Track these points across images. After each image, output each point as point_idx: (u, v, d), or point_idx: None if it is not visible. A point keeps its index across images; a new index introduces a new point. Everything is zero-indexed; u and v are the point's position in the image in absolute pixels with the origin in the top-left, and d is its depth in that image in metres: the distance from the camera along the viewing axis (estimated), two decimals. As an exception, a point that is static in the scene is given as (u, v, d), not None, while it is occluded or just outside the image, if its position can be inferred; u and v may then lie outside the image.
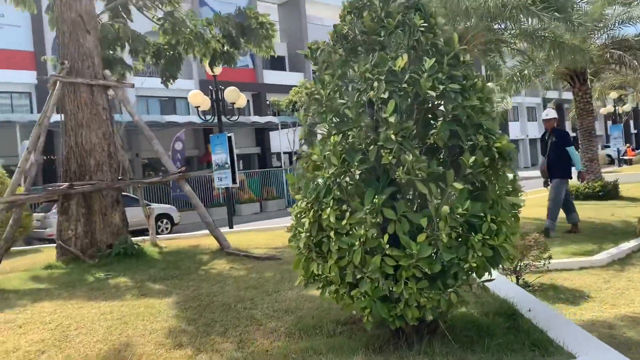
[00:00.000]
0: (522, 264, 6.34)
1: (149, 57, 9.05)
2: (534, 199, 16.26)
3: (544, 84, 15.72)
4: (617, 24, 13.99)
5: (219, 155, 13.20)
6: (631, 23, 14.00)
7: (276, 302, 4.49)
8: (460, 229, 2.89)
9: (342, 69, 3.23)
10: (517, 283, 6.44)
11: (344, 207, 3.01)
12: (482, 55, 12.40)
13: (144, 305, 4.70)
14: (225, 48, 8.87)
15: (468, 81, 3.14)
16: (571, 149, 8.83)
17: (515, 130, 54.45)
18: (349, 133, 3.01)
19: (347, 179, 2.95)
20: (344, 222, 2.93)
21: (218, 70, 12.76)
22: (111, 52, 8.76)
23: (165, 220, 20.29)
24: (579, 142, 14.82)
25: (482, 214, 2.88)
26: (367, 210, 2.87)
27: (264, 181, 27.08)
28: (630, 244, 8.36)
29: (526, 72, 14.25)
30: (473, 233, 2.89)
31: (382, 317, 2.96)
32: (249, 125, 28.56)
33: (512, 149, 3.07)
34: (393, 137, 2.87)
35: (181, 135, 25.41)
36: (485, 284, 4.53)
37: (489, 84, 15.13)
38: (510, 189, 3.14)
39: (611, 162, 37.77)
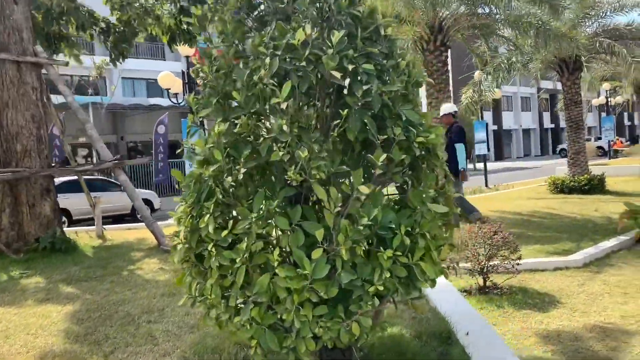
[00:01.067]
0: (489, 264, 5.82)
1: (97, 34, 8.35)
2: (518, 191, 15.72)
3: (533, 73, 15.09)
4: (609, 12, 13.36)
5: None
6: (624, 12, 13.39)
7: (186, 315, 3.93)
8: (367, 242, 2.32)
9: (240, 43, 2.63)
10: (484, 285, 5.92)
11: (232, 213, 2.43)
12: (467, 41, 11.77)
13: (40, 313, 4.13)
14: (185, 26, 8.18)
15: (389, 61, 2.55)
16: (459, 146, 8.18)
17: (508, 120, 53.90)
18: (237, 122, 2.42)
19: (230, 178, 2.36)
20: (224, 233, 2.35)
21: (188, 50, 12.09)
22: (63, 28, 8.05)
23: (145, 207, 19.72)
24: (567, 133, 14.27)
25: (396, 225, 2.32)
26: (254, 218, 2.30)
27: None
28: (610, 242, 7.84)
29: (514, 59, 13.64)
30: (383, 248, 2.32)
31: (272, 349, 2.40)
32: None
33: (438, 144, 2.48)
34: (286, 127, 2.29)
35: (164, 119, 24.69)
36: (430, 295, 3.98)
37: (478, 71, 14.38)
38: (438, 194, 2.56)
39: (604, 154, 37.30)
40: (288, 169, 2.29)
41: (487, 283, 6.02)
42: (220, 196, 2.39)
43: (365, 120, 2.37)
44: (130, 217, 19.11)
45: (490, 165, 40.66)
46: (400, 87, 2.50)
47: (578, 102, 13.84)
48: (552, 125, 56.70)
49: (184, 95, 12.30)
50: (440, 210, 2.39)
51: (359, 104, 2.40)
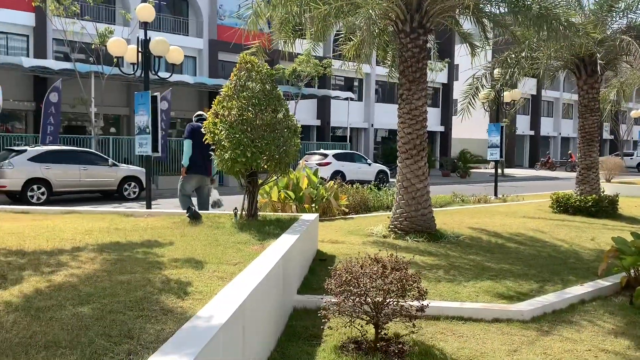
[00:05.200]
0: (383, 312, 4.28)
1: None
2: (522, 205, 13.72)
3: (548, 73, 13.14)
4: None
5: (140, 117, 11.32)
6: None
7: None
8: None
9: None
10: (376, 338, 4.40)
11: None
12: (457, 25, 10.02)
13: None
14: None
15: None
16: (186, 142, 8.59)
17: (547, 126, 51.09)
18: None
19: None
20: None
21: (147, 15, 10.80)
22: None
23: (132, 184, 18.82)
24: (578, 144, 12.36)
25: None
26: None
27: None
28: (583, 288, 6.16)
29: (523, 54, 11.80)
30: None
31: None
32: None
33: None
34: None
35: (167, 94, 23.70)
36: None
37: (497, 69, 12.31)
38: None
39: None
40: None
41: (381, 334, 4.47)
42: None
43: None
44: (117, 193, 18.13)
45: (522, 172, 38.44)
46: None
47: (594, 110, 11.93)
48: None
49: (139, 65, 11.00)
50: None
51: None
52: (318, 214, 8.01)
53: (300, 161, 12.50)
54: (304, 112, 31.67)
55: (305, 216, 7.31)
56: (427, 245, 8.08)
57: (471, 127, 33.07)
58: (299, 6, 8.47)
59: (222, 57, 30.53)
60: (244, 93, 6.54)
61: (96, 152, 19.56)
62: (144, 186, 18.67)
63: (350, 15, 8.27)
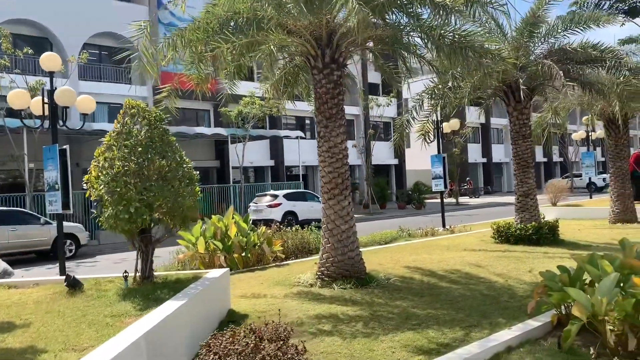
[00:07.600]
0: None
1: None
2: (467, 236, 13.28)
3: (474, 103, 13.00)
4: (560, 29, 11.34)
5: (49, 173, 10.46)
6: (580, 29, 11.36)
7: None
8: None
9: None
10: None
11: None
12: (377, 59, 9.69)
13: None
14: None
15: None
16: None
17: (499, 153, 51.80)
18: None
19: None
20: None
21: (53, 65, 10.11)
22: None
23: (68, 241, 17.53)
24: (514, 171, 12.13)
25: None
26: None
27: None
28: (509, 334, 5.58)
29: (450, 84, 11.56)
30: None
31: None
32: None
33: None
34: None
35: (105, 145, 22.67)
36: None
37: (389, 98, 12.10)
38: None
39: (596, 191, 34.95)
40: None
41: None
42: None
43: None
44: (52, 252, 16.96)
45: (476, 200, 38.58)
46: None
47: (526, 136, 11.74)
48: (545, 160, 54.36)
49: (46, 116, 10.22)
50: None
51: None
52: (228, 269, 7.31)
53: (230, 207, 11.81)
54: (257, 153, 31.09)
55: (212, 273, 6.61)
56: (353, 292, 7.46)
57: (426, 158, 32.97)
58: (205, 45, 7.98)
59: (168, 103, 29.79)
60: (127, 141, 5.88)
61: (26, 210, 18.36)
62: (81, 243, 17.75)
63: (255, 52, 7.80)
